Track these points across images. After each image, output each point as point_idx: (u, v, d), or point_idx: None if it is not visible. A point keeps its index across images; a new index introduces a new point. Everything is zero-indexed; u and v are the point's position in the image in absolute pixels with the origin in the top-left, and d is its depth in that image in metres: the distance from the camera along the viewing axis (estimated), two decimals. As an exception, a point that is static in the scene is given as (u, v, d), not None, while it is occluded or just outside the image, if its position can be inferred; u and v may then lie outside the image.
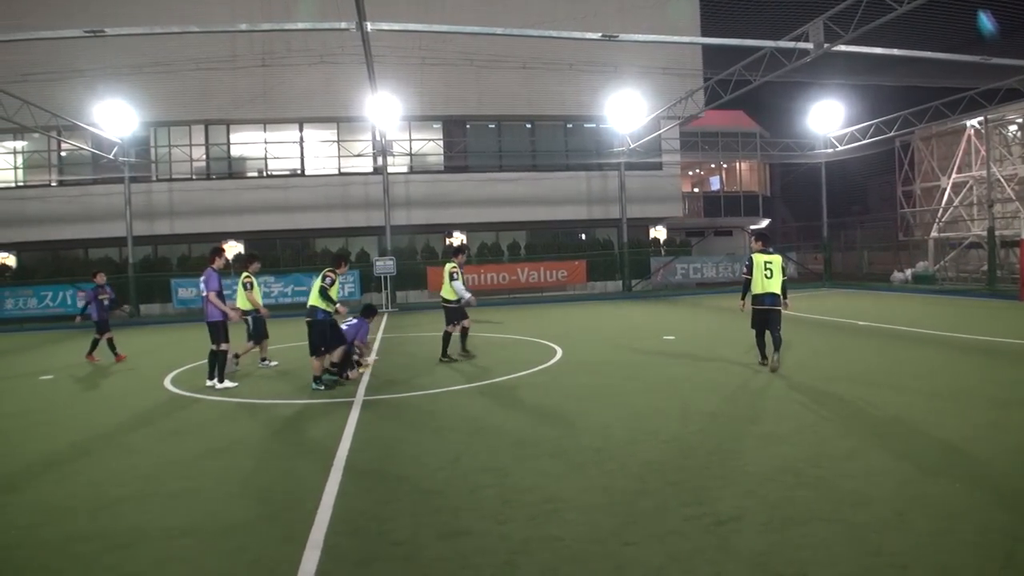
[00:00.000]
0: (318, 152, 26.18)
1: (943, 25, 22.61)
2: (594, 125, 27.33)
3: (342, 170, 26.00)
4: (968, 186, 26.30)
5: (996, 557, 3.46)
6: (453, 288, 10.82)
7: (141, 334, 18.15)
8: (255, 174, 26.12)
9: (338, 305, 9.03)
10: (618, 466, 5.16)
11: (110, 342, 12.40)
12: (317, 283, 8.96)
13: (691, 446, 5.60)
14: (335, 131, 25.99)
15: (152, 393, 9.04)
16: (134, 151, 23.45)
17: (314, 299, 8.95)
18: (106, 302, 12.42)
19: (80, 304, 12.35)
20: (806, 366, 9.20)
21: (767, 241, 9.64)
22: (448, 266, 10.92)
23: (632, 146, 25.76)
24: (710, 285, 27.34)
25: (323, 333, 8.84)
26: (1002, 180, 24.40)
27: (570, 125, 27.90)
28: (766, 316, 9.08)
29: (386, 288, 22.84)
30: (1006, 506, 4.11)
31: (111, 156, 22.40)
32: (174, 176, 25.29)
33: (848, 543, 3.70)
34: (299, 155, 26.00)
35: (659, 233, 30.36)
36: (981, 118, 23.51)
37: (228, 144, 25.81)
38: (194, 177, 25.48)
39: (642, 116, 24.02)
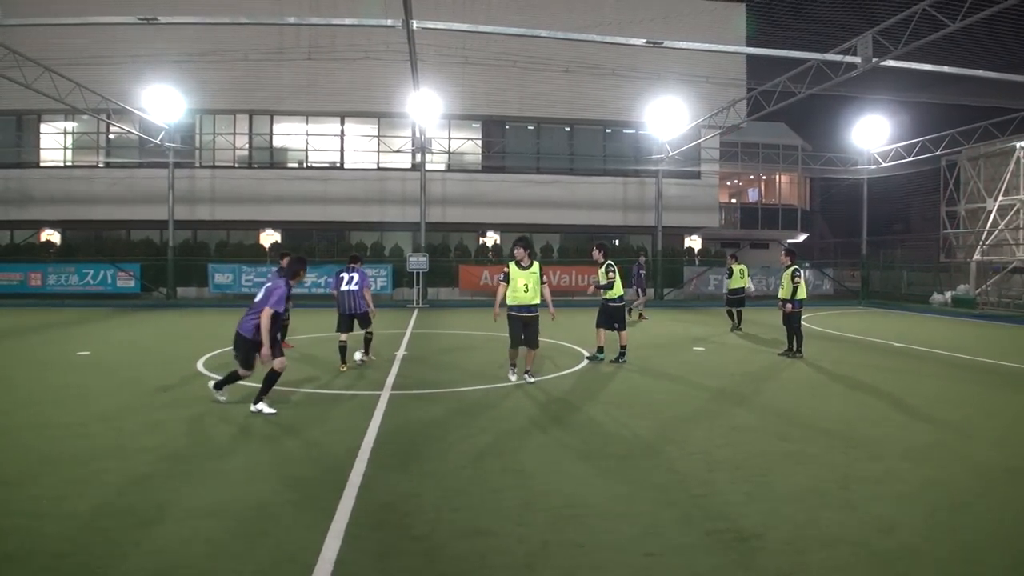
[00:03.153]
0: (358, 146, 26.46)
1: (995, 43, 22.12)
2: (633, 131, 27.20)
3: (380, 165, 26.26)
4: (1015, 209, 25.62)
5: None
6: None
7: (177, 316, 18.51)
8: (295, 165, 26.52)
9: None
10: (642, 475, 5.13)
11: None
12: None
13: (717, 460, 5.55)
14: (376, 126, 26.24)
15: (185, 375, 9.21)
16: (179, 137, 23.95)
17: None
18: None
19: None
20: (838, 385, 9.05)
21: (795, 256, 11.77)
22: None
23: (671, 154, 25.59)
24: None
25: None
26: (1051, 205, 23.72)
27: (609, 130, 27.80)
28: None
29: (418, 284, 22.98)
30: (1040, 541, 4.00)
31: (157, 141, 22.91)
32: (217, 163, 25.77)
33: (873, 568, 3.64)
34: (339, 148, 26.31)
35: (694, 243, 30.10)
36: (1033, 140, 22.87)
37: (271, 134, 26.21)
38: (236, 165, 25.92)
39: (682, 124, 23.83)
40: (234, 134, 25.82)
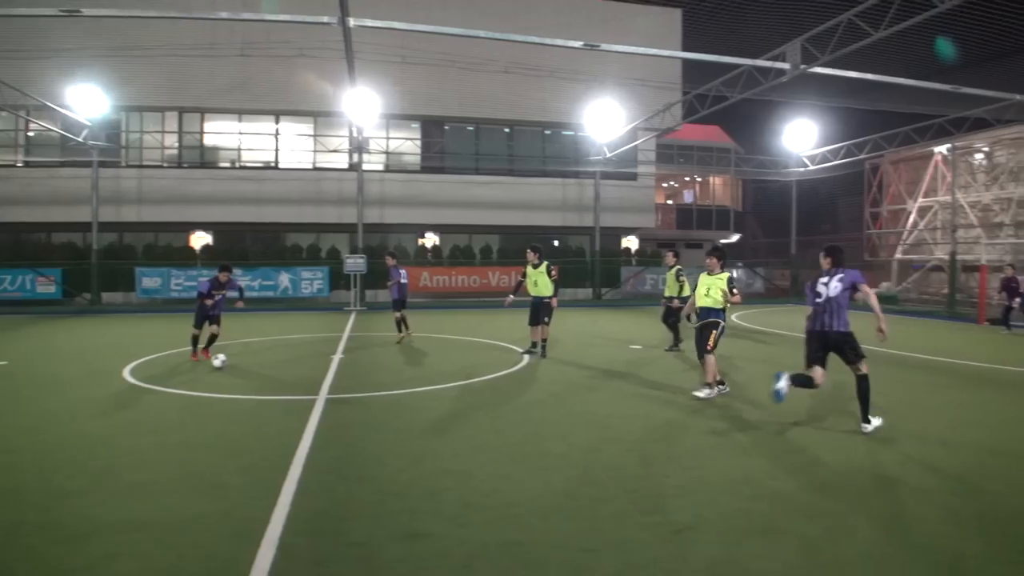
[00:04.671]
0: (293, 146, 25.92)
1: (916, 53, 23.19)
2: (572, 133, 27.47)
3: (317, 165, 25.80)
4: (933, 211, 26.93)
5: (941, 570, 3.55)
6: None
7: (102, 323, 17.79)
8: (228, 165, 25.77)
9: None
10: (579, 472, 5.17)
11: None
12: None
13: (653, 454, 5.64)
14: (312, 125, 25.77)
15: (110, 384, 8.85)
16: (104, 135, 22.99)
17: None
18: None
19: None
20: (768, 380, 9.31)
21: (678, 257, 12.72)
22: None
23: (609, 155, 25.95)
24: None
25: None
26: (966, 206, 25.02)
27: (548, 131, 28.00)
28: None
29: (355, 286, 22.67)
30: (951, 522, 4.20)
31: (80, 139, 21.95)
32: (144, 163, 24.85)
33: (801, 554, 3.76)
34: (274, 148, 25.72)
35: (631, 243, 30.59)
36: (949, 145, 24.08)
37: (202, 133, 25.43)
38: (165, 165, 25.07)
39: (620, 126, 24.20)
40: (163, 132, 24.96)
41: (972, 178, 25.91)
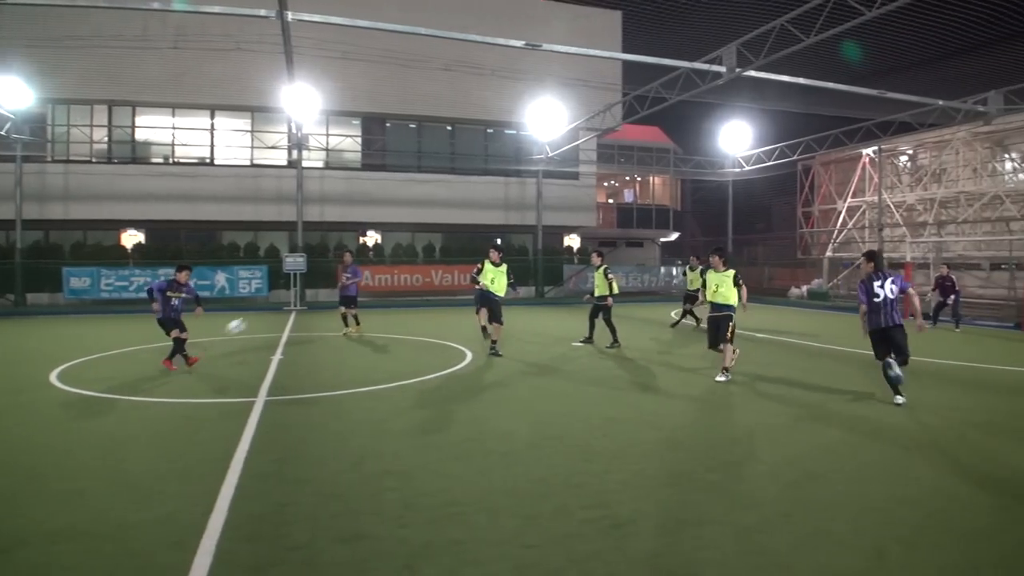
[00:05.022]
0: (230, 141, 25.23)
1: (845, 59, 24.05)
2: (514, 132, 27.56)
3: (254, 161, 25.18)
4: (861, 210, 28.03)
5: (869, 556, 3.71)
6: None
7: (27, 325, 17.02)
8: (160, 160, 24.94)
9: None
10: (522, 470, 5.21)
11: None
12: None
13: (594, 450, 5.73)
14: (249, 121, 25.14)
15: (37, 389, 8.48)
16: (28, 128, 21.97)
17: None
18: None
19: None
20: (707, 375, 9.56)
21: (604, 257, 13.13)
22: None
23: (551, 154, 26.14)
24: (620, 294, 27.97)
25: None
26: (891, 206, 26.11)
27: (491, 130, 28.02)
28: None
29: (295, 286, 22.25)
30: (879, 508, 4.39)
31: (2, 132, 20.90)
32: (72, 158, 23.83)
33: (737, 544, 3.88)
34: (209, 143, 25.00)
35: (573, 241, 30.90)
36: (876, 148, 25.09)
37: (133, 127, 24.52)
38: (94, 160, 24.08)
39: (561, 126, 24.39)
40: (91, 126, 23.97)
41: (898, 179, 27.07)
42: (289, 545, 3.86)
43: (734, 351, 9.25)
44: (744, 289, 9.32)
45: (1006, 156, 23.96)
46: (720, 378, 8.94)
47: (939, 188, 25.30)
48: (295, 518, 4.25)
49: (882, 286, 7.69)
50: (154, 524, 4.16)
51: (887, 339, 7.65)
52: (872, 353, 7.90)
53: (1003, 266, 21.03)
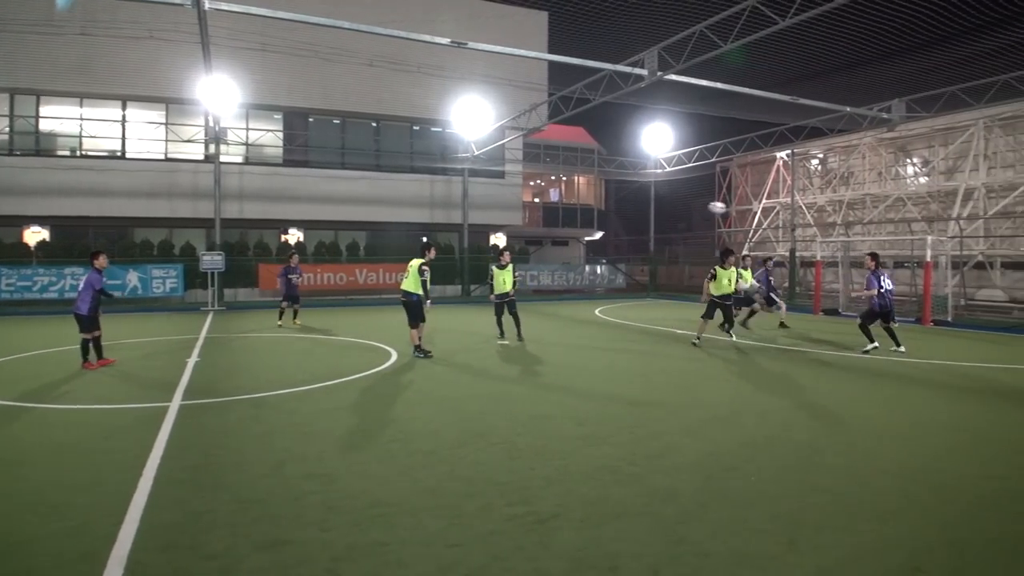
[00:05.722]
0: (142, 134, 24.12)
1: (760, 65, 25.00)
2: (440, 129, 27.42)
3: (169, 155, 24.17)
4: (775, 211, 29.18)
5: (782, 541, 3.87)
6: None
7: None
8: (67, 153, 23.61)
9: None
10: (447, 469, 5.20)
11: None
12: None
13: (519, 448, 5.77)
14: (163, 113, 24.12)
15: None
16: (-85, 117, 20.46)
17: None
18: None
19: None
20: (629, 371, 9.77)
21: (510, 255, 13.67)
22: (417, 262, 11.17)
23: (476, 153, 26.15)
24: (546, 293, 28.34)
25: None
26: (803, 207, 27.28)
27: (416, 127, 27.78)
28: None
29: (213, 285, 21.52)
30: (791, 497, 4.59)
31: None
32: (-34, 149, 22.32)
33: (657, 534, 3.98)
34: (120, 135, 23.85)
35: (499, 240, 31.00)
36: (789, 151, 26.16)
37: (37, 117, 23.13)
38: (-9, 152, 22.62)
39: (487, 124, 24.43)
40: (-12, 116, 22.53)
41: (809, 181, 28.31)
42: (206, 554, 3.74)
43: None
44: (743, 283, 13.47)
45: (908, 161, 25.39)
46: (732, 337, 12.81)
47: (847, 190, 26.59)
48: (212, 526, 4.11)
49: (886, 279, 11.35)
50: (61, 537, 3.95)
51: (887, 314, 11.53)
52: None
53: (905, 264, 22.27)
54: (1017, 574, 3.53)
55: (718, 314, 12.67)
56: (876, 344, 11.45)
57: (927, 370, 10.00)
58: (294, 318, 16.22)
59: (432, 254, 11.38)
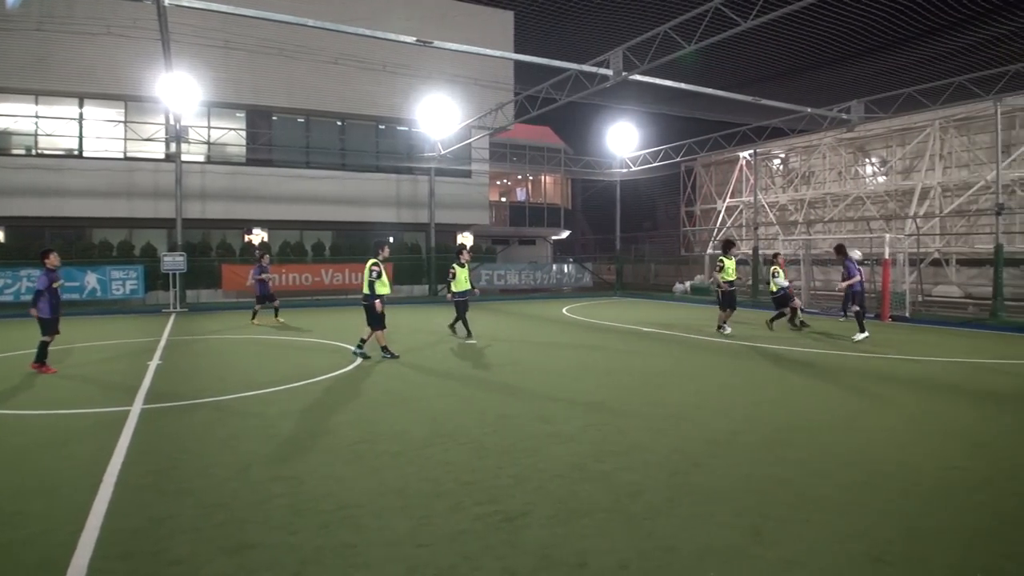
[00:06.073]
0: (100, 132, 23.58)
1: (724, 67, 25.34)
2: (406, 128, 27.27)
3: (128, 154, 23.65)
4: (739, 210, 29.60)
5: (747, 535, 3.94)
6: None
7: None
8: (22, 152, 22.95)
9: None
10: (415, 469, 5.19)
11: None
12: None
13: (486, 447, 5.77)
14: (122, 111, 23.59)
15: None
16: None
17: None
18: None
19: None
20: (596, 369, 9.83)
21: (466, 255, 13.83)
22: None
23: (443, 152, 26.06)
24: (513, 292, 28.38)
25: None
26: (766, 206, 27.71)
27: (382, 126, 27.59)
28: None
29: (175, 286, 21.12)
30: (755, 490, 4.67)
31: None
32: (-86, 147, 21.58)
33: (624, 530, 4.01)
34: (78, 134, 23.27)
35: (466, 239, 30.95)
36: (752, 151, 26.54)
37: (-12, 115, 22.48)
38: (-59, 150, 21.91)
39: (454, 124, 24.38)
40: (-63, 113, 21.82)
41: (771, 181, 28.77)
42: (169, 559, 3.67)
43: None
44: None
45: (867, 160, 25.95)
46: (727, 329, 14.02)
47: (808, 189, 27.09)
48: (175, 531, 4.05)
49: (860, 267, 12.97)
50: (18, 546, 3.85)
51: (863, 297, 13.16)
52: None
53: (864, 262, 22.77)
54: (976, 562, 3.63)
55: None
56: (868, 333, 12.70)
57: (886, 365, 10.24)
58: (275, 316, 16.80)
59: (385, 252, 10.92)
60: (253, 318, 16.63)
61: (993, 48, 23.15)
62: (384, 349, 10.90)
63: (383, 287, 10.73)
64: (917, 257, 21.20)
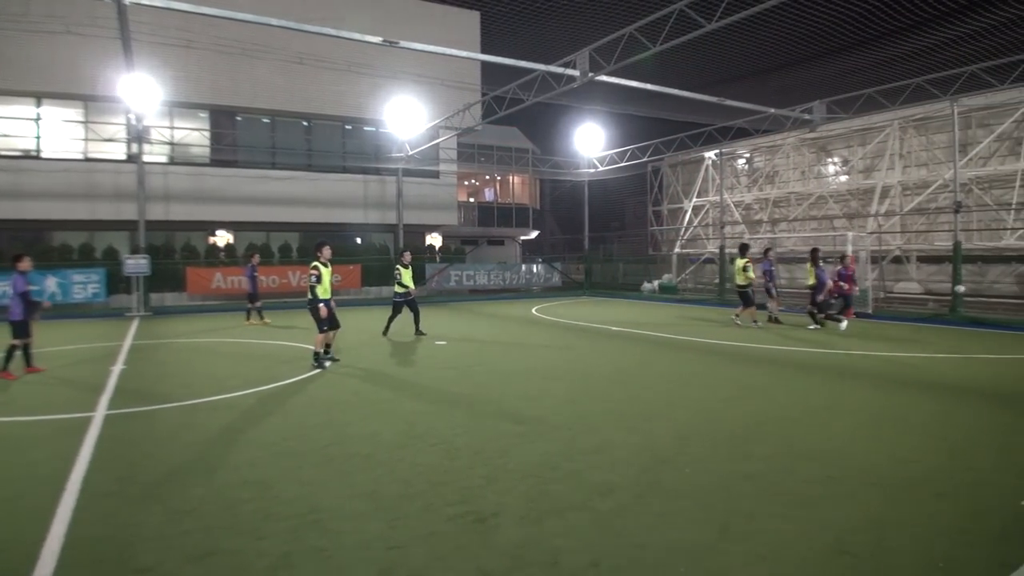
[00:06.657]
0: (59, 133, 23.03)
1: (689, 68, 25.65)
2: (373, 129, 27.10)
3: (88, 155, 23.14)
4: (705, 209, 29.92)
5: (714, 530, 3.99)
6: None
7: None
8: (-25, 153, 22.33)
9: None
10: (386, 471, 5.16)
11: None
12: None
13: (457, 448, 5.77)
14: (81, 111, 23.08)
15: None
16: None
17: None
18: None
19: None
20: (566, 369, 9.88)
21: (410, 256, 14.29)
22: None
23: (410, 153, 25.96)
24: (482, 292, 28.36)
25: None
26: (732, 205, 28.07)
27: (349, 127, 27.38)
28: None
29: (138, 290, 20.72)
30: (722, 486, 4.73)
31: None
32: None
33: (595, 528, 4.05)
34: (35, 134, 22.69)
35: (435, 240, 30.87)
36: (717, 151, 26.86)
37: (-60, 115, 21.82)
38: None
39: (421, 124, 24.29)
40: None
41: (737, 180, 29.13)
42: (135, 567, 3.61)
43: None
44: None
45: (829, 160, 26.42)
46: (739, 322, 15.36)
47: (773, 189, 27.48)
48: (141, 538, 3.98)
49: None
50: (-27, 557, 3.76)
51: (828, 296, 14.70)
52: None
53: (828, 259, 23.19)
54: (937, 552, 3.73)
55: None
56: (819, 326, 14.37)
57: (850, 361, 10.45)
58: (260, 317, 17.27)
59: (326, 254, 10.34)
60: (247, 319, 17.21)
61: (950, 50, 23.77)
62: (315, 356, 10.23)
63: (323, 292, 10.20)
64: (879, 254, 21.65)
